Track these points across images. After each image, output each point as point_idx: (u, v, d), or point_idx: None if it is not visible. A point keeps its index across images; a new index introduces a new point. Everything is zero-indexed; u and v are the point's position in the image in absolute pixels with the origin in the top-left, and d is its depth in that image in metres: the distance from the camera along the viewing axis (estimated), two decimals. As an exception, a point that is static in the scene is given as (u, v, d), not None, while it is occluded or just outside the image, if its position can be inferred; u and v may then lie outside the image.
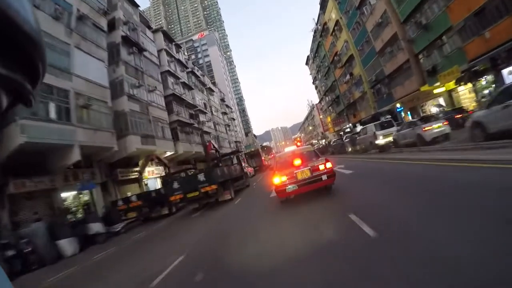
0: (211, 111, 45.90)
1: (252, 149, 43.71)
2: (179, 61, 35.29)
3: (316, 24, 51.89)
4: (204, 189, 11.47)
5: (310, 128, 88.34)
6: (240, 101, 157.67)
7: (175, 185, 12.00)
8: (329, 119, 61.64)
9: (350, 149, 21.14)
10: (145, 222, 16.88)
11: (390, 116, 37.74)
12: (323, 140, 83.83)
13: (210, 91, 48.12)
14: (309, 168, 7.39)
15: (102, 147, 18.08)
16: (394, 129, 16.83)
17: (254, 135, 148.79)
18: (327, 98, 58.15)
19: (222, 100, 58.85)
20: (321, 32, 48.95)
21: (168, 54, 32.72)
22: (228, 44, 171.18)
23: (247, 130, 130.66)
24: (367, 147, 17.97)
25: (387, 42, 28.35)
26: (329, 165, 7.34)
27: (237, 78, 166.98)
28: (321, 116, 66.56)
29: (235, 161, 20.30)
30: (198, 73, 44.21)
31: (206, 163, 16.15)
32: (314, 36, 55.77)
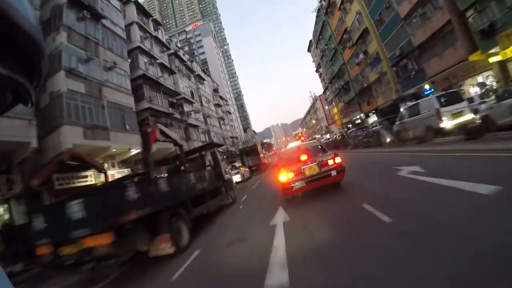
0: (201, 101, 39.55)
1: (248, 145, 36.57)
2: (157, 39, 28.84)
3: (320, 0, 45.26)
4: (86, 241, 4.68)
5: (313, 122, 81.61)
6: (238, 96, 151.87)
7: (40, 222, 5.02)
8: (335, 110, 55.11)
9: (388, 140, 14.51)
10: None
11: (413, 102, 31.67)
12: (327, 135, 77.56)
13: (200, 79, 41.71)
14: (317, 164, 6.98)
15: (11, 142, 11.86)
16: (464, 105, 10.50)
17: (254, 131, 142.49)
18: (333, 86, 51.62)
19: (216, 90, 52.30)
20: (326, 8, 42.36)
21: (142, 29, 26.32)
22: (225, 38, 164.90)
23: (246, 126, 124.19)
24: (422, 134, 11.51)
25: (417, 3, 21.85)
26: (338, 159, 6.99)
27: (235, 73, 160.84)
28: (327, 107, 59.92)
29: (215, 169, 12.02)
30: (185, 57, 37.77)
31: (145, 166, 8.84)
32: (317, 16, 49.15)
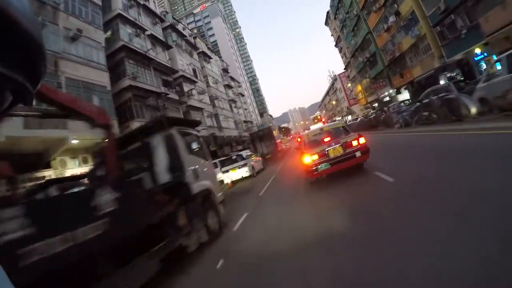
0: (207, 82, 35.13)
1: (261, 129, 31.46)
2: (147, 8, 24.35)
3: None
4: None
5: (334, 103, 75.11)
6: (253, 80, 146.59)
7: None
8: (359, 88, 49.17)
9: (473, 110, 9.04)
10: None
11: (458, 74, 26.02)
12: (349, 116, 71.50)
13: (205, 56, 37.10)
14: (341, 145, 6.78)
15: None
16: None
17: (271, 116, 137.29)
18: (356, 60, 45.66)
19: (225, 70, 47.41)
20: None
21: (126, -5, 21.89)
22: (236, 21, 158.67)
23: (263, 110, 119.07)
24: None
25: None
26: (362, 140, 6.75)
27: (248, 56, 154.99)
28: (349, 85, 53.85)
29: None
30: (185, 32, 33.21)
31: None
32: (336, -20, 43.01)
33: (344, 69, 55.34)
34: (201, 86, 31.71)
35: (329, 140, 7.13)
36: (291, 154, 26.72)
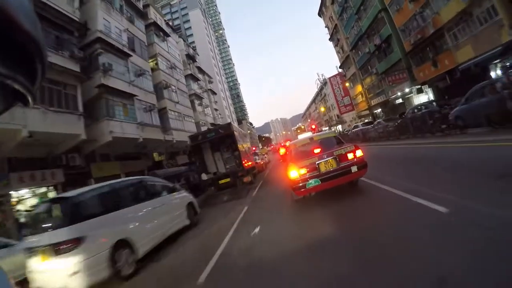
0: (155, 63, 24.40)
1: (215, 129, 14.65)
2: None
3: None
4: None
5: (323, 109, 65.38)
6: (234, 85, 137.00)
7: None
8: (359, 88, 39.72)
9: None
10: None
11: None
12: (339, 126, 62.19)
13: (159, 31, 26.39)
14: (335, 157, 5.94)
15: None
16: None
17: (250, 123, 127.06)
18: (358, 53, 36.37)
19: (191, 57, 36.55)
20: None
21: None
22: (220, 22, 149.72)
23: (242, 117, 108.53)
24: None
25: None
26: (359, 153, 5.96)
27: (230, 59, 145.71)
28: (347, 84, 43.92)
29: None
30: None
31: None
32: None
33: (340, 67, 45.86)
34: (140, 64, 20.91)
35: (320, 152, 6.24)
36: (283, 160, 17.65)
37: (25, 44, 0.42)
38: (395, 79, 25.89)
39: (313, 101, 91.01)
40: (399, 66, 26.83)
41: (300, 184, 5.90)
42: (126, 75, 18.80)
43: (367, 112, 40.69)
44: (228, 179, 13.69)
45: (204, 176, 13.87)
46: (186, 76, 31.98)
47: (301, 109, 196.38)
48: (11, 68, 0.43)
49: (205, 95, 38.59)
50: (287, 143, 26.61)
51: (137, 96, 18.71)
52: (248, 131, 73.49)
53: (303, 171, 5.96)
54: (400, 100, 30.26)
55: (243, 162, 14.00)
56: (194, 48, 46.05)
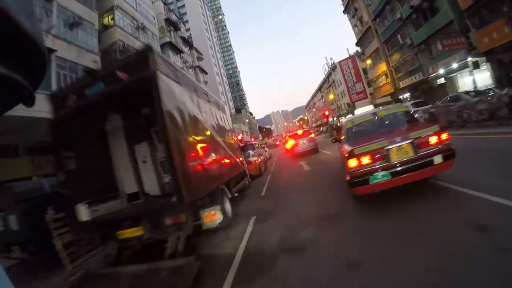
0: (111, 17, 17.26)
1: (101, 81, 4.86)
2: None
3: None
4: None
5: (331, 97, 57.84)
6: (234, 72, 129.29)
7: None
8: (383, 67, 32.28)
9: None
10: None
11: None
12: (350, 115, 54.63)
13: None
14: (411, 142, 3.92)
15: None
16: None
17: (250, 113, 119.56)
18: (383, 22, 28.91)
19: (172, 24, 28.71)
20: None
21: None
22: (220, 7, 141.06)
23: (241, 106, 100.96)
24: None
25: None
26: (444, 135, 3.92)
27: (230, 46, 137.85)
28: (368, 62, 36.22)
29: None
30: None
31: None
32: None
33: (357, 44, 38.28)
34: (79, 12, 13.88)
35: (389, 134, 4.19)
36: (279, 181, 10.98)
37: (25, 44, 0.42)
38: (450, 44, 18.52)
39: (319, 89, 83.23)
40: (449, 30, 19.53)
41: (362, 179, 4.00)
42: (44, 19, 11.80)
43: (386, 99, 33.51)
44: (139, 230, 4.56)
45: (83, 213, 4.88)
46: (163, 45, 24.76)
47: (303, 102, 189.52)
48: (11, 68, 0.42)
49: (190, 72, 31.22)
50: (299, 132, 19.76)
51: (55, 51, 11.61)
52: (247, 120, 66.18)
53: (366, 160, 4.02)
54: (442, 80, 23.05)
55: (191, 170, 4.56)
56: (183, 20, 38.60)
